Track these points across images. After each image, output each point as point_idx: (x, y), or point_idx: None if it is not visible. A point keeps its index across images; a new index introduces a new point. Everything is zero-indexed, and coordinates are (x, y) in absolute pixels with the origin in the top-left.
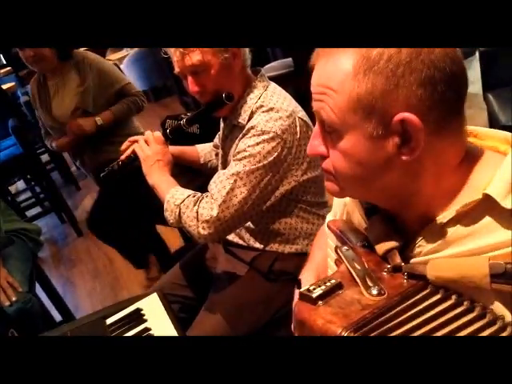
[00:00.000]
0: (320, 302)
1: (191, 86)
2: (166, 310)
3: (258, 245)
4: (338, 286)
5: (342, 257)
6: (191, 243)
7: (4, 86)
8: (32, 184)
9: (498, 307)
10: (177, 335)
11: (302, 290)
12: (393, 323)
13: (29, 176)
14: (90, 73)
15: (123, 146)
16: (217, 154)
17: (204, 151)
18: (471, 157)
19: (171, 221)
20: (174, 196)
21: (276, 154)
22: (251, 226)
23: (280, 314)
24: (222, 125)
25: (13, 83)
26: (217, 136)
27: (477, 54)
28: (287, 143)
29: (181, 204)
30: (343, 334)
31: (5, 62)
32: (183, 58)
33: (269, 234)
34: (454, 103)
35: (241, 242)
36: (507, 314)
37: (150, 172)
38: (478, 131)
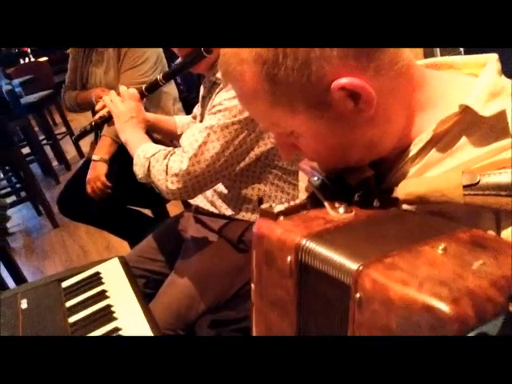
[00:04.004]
0: (281, 218)
1: None
2: (126, 274)
3: (229, 212)
4: (303, 207)
5: (311, 186)
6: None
7: None
8: (9, 174)
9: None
10: (136, 300)
11: (262, 206)
12: (355, 235)
13: (7, 167)
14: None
15: (97, 106)
16: None
17: (182, 122)
18: (439, 81)
19: (140, 175)
20: (144, 150)
21: None
22: (224, 191)
23: (249, 287)
24: (201, 89)
25: None
26: (196, 107)
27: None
28: None
29: (151, 157)
30: (302, 242)
31: None
32: None
33: (241, 200)
34: None
35: (212, 208)
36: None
37: (123, 128)
38: (453, 61)
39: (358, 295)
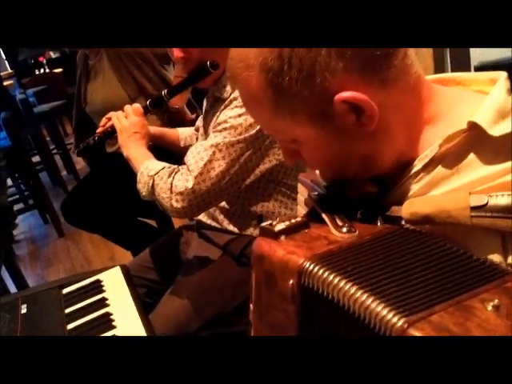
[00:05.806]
0: (282, 237)
1: (176, 51)
2: (127, 283)
3: (232, 227)
4: (305, 224)
5: (311, 201)
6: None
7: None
8: (19, 182)
9: (477, 246)
10: (135, 310)
11: (263, 224)
12: (361, 258)
13: (16, 175)
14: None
15: (102, 122)
16: (197, 139)
17: (185, 134)
18: (447, 97)
19: (144, 193)
20: (148, 167)
21: (258, 127)
22: (226, 206)
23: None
24: (204, 103)
25: (11, 81)
26: (198, 119)
27: None
28: None
29: (155, 175)
30: (305, 264)
31: (10, 70)
32: None
33: (245, 216)
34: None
35: (214, 223)
36: (484, 253)
37: (125, 144)
38: (461, 77)
39: None
